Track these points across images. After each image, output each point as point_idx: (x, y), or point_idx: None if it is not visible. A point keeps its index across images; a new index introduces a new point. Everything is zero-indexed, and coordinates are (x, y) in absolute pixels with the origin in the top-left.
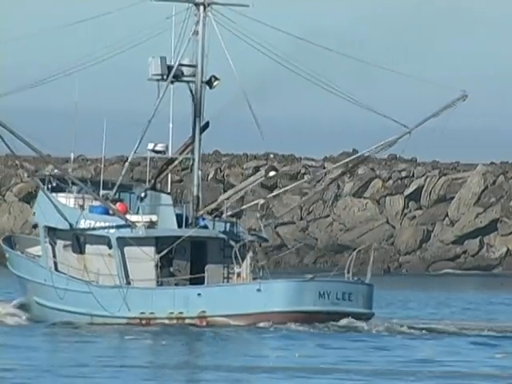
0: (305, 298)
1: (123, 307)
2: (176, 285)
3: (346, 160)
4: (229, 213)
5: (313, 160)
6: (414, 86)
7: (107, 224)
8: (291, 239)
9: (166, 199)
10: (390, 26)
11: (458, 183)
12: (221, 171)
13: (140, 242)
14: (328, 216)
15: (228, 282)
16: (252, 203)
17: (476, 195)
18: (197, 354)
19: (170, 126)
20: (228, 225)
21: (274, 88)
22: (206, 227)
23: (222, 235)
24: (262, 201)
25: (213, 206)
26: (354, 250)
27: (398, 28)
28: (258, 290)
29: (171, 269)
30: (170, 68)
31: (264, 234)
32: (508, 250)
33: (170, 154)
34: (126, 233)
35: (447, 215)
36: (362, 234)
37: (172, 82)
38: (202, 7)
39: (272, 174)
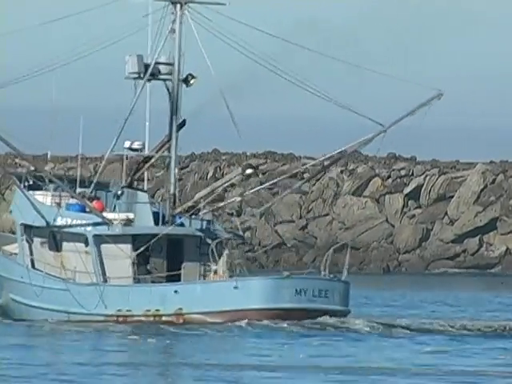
0: (281, 296)
1: (100, 305)
2: (152, 282)
3: (322, 158)
4: (205, 211)
5: (312, 159)
6: (395, 85)
7: (84, 222)
8: (290, 238)
9: (143, 197)
10: (387, 25)
11: (457, 182)
12: (220, 170)
13: (117, 239)
14: (327, 214)
15: (204, 279)
16: (229, 201)
17: (475, 194)
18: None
19: (147, 124)
20: (204, 222)
21: (250, 86)
22: (182, 225)
23: (198, 233)
24: (238, 198)
25: (189, 203)
26: (330, 248)
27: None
28: (235, 288)
29: (148, 266)
30: (146, 66)
31: (240, 231)
32: (507, 248)
33: (146, 152)
34: (102, 230)
35: (447, 214)
36: (361, 233)
37: (149, 80)
38: (178, 5)
39: (249, 171)
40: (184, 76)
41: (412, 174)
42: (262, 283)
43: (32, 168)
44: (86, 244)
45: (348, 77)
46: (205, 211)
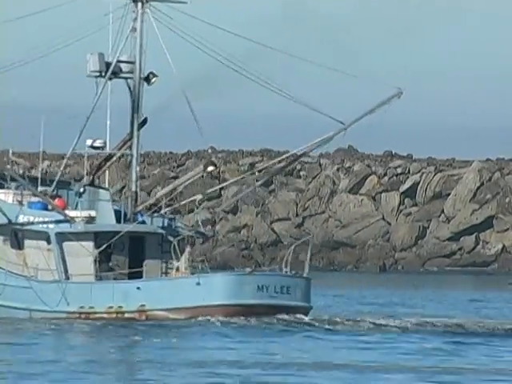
0: (244, 292)
1: (62, 302)
2: (115, 279)
3: (283, 157)
4: (167, 209)
5: (308, 156)
6: (356, 83)
7: (46, 219)
8: (287, 235)
9: (105, 195)
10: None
11: (453, 180)
12: (216, 167)
13: (79, 237)
14: (324, 212)
15: (166, 276)
16: (190, 199)
17: (472, 192)
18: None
19: (108, 122)
20: (166, 220)
21: (212, 84)
22: (144, 222)
23: (160, 230)
24: (199, 196)
25: (151, 201)
26: (292, 245)
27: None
28: (198, 284)
29: (110, 263)
30: (108, 64)
31: (202, 229)
32: (504, 246)
33: (108, 150)
34: (64, 228)
35: (443, 212)
36: (357, 231)
37: (110, 79)
38: (140, 4)
39: (210, 168)
40: (145, 74)
41: (408, 172)
42: (225, 279)
43: (28, 165)
44: (49, 242)
45: (314, 76)
46: (196, 211)
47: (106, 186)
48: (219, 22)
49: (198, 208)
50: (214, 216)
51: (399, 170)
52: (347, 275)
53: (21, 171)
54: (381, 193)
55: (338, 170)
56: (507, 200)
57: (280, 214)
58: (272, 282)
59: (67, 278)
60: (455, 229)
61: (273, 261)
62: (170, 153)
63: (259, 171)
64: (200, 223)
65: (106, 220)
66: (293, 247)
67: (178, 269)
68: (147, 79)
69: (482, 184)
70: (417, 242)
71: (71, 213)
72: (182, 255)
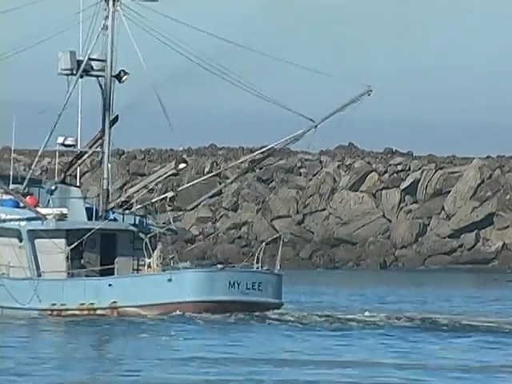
0: (215, 288)
1: (34, 299)
2: (86, 276)
3: (254, 154)
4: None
5: (309, 154)
6: (329, 82)
7: (18, 217)
8: (287, 232)
9: (76, 192)
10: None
11: (454, 177)
12: (217, 164)
13: (50, 234)
14: (324, 209)
15: (138, 273)
16: (161, 196)
17: (472, 189)
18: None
19: (79, 120)
20: (137, 217)
21: (184, 82)
22: (115, 220)
23: (131, 227)
24: (170, 194)
25: (122, 198)
26: (263, 241)
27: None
28: (169, 280)
29: (82, 261)
30: (79, 62)
31: (173, 226)
32: (504, 243)
33: (79, 148)
34: (36, 225)
35: (443, 209)
36: (358, 228)
37: (82, 77)
38: (111, 2)
39: (182, 166)
40: (116, 72)
41: (409, 169)
42: (196, 276)
43: (29, 162)
44: (20, 239)
45: (285, 74)
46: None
47: (78, 183)
48: (192, 20)
49: (169, 206)
50: (214, 213)
51: (400, 168)
52: (348, 272)
53: (21, 168)
54: (381, 190)
55: (338, 167)
56: (507, 197)
57: (280, 211)
58: (244, 278)
59: (39, 275)
60: (455, 226)
61: (273, 258)
62: (171, 150)
63: (226, 169)
64: (171, 220)
65: (78, 217)
66: (264, 244)
67: (149, 265)
68: (118, 77)
69: (483, 181)
70: (417, 240)
71: (43, 210)
72: (153, 252)
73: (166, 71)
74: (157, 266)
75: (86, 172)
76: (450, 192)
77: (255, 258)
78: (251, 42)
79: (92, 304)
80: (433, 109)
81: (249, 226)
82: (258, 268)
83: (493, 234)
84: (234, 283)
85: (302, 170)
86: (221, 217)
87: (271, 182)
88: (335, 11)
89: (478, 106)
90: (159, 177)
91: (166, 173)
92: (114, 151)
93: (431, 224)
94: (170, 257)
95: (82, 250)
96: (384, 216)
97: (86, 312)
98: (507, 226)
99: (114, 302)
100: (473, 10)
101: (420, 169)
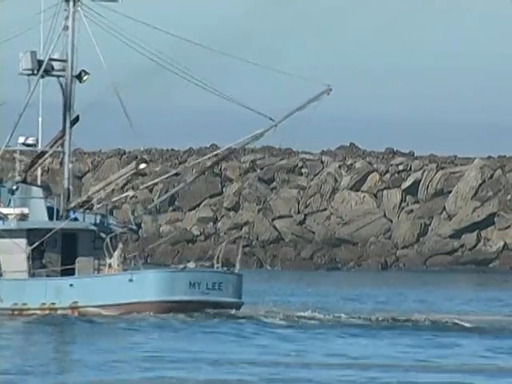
0: (176, 288)
1: None
2: (48, 276)
3: (213, 153)
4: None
5: (310, 154)
6: (289, 80)
7: None
8: (288, 232)
9: (37, 192)
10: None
11: (455, 177)
12: (218, 164)
13: (12, 234)
14: (325, 209)
15: (99, 273)
16: (123, 195)
17: (473, 189)
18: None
19: (40, 119)
20: (98, 217)
21: (145, 82)
22: (76, 219)
23: (92, 227)
24: (131, 193)
25: (84, 198)
26: (229, 240)
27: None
28: (130, 281)
29: (43, 260)
30: (40, 63)
31: (134, 225)
32: (505, 243)
33: (40, 148)
34: None
35: (444, 209)
36: (359, 228)
37: (43, 77)
38: (71, 2)
39: (142, 166)
40: (77, 72)
41: (410, 169)
42: (157, 276)
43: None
44: None
45: (247, 73)
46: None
47: (39, 183)
48: (153, 21)
49: (130, 205)
50: (215, 213)
51: (401, 168)
52: (348, 273)
53: (22, 167)
54: (382, 190)
55: (339, 167)
56: (509, 197)
57: (282, 211)
58: (204, 278)
59: (0, 274)
60: (457, 226)
61: (274, 258)
62: (172, 150)
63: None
64: (132, 219)
65: (39, 217)
66: (224, 244)
67: (110, 265)
68: (79, 77)
69: (484, 181)
70: (418, 240)
71: (4, 210)
72: (114, 252)
73: (127, 71)
74: (117, 266)
75: (88, 172)
76: (451, 192)
77: (215, 257)
78: (212, 43)
79: (53, 304)
80: (434, 109)
81: (250, 226)
82: (218, 268)
83: (494, 234)
84: (194, 283)
85: (303, 170)
86: (222, 217)
87: (272, 181)
88: (335, 11)
89: (479, 106)
90: (120, 177)
91: (127, 173)
92: (115, 151)
93: (432, 224)
94: (131, 255)
95: (43, 250)
96: (385, 216)
97: (47, 312)
98: (508, 226)
99: (75, 302)
100: (473, 9)
101: (421, 169)
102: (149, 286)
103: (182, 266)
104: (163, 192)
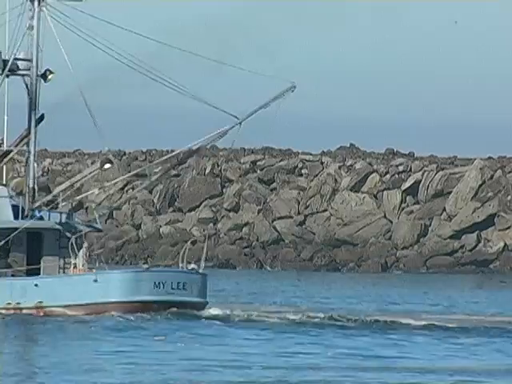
0: (141, 288)
1: None
2: (13, 276)
3: (178, 151)
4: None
5: (310, 154)
6: (253, 79)
7: None
8: (288, 233)
9: (2, 191)
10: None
11: (455, 178)
12: (218, 165)
13: None
14: (325, 210)
15: (64, 272)
16: (88, 193)
17: (473, 190)
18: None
19: (5, 118)
20: (63, 216)
21: (110, 81)
22: (42, 218)
23: (57, 226)
24: (96, 191)
25: (48, 197)
26: (187, 241)
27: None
28: (95, 281)
29: (8, 260)
30: (5, 62)
31: (99, 224)
32: (505, 244)
33: (5, 147)
34: None
35: (445, 210)
36: (359, 229)
37: (7, 76)
38: (36, 2)
39: (107, 166)
40: (42, 71)
41: (410, 170)
42: (121, 276)
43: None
44: None
45: (212, 72)
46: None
47: (4, 181)
48: (120, 21)
49: (95, 203)
50: (215, 214)
51: (401, 168)
52: (348, 274)
53: (22, 169)
54: (382, 191)
55: (339, 168)
56: (509, 198)
57: (282, 212)
58: (168, 278)
59: None
60: (457, 227)
61: (274, 259)
62: (172, 150)
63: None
64: (97, 218)
65: (4, 216)
66: (189, 243)
67: (75, 265)
68: (44, 76)
69: (484, 182)
70: (418, 240)
71: None
72: (79, 251)
73: (93, 71)
74: (82, 265)
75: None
76: (451, 193)
77: (180, 257)
78: (179, 43)
79: (18, 304)
80: (434, 110)
81: (250, 226)
82: (182, 268)
83: (494, 234)
84: (159, 283)
85: (303, 171)
86: (222, 218)
87: (272, 182)
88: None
89: (480, 107)
90: (84, 176)
91: (91, 172)
92: (116, 152)
93: (432, 225)
94: (96, 253)
95: (8, 249)
96: (385, 217)
97: (12, 311)
98: (508, 227)
99: (40, 301)
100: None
101: (421, 170)
102: (113, 286)
103: (146, 266)
104: (163, 193)
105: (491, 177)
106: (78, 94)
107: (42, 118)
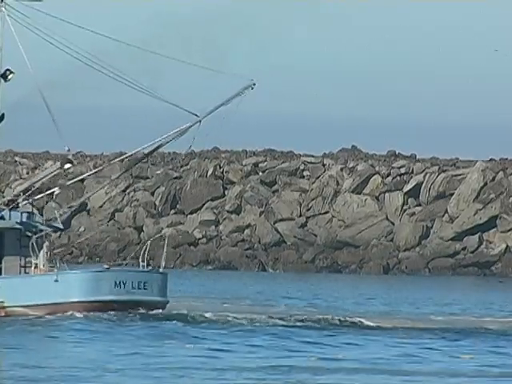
0: (101, 288)
1: None
2: None
3: (138, 149)
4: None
5: (312, 156)
6: (214, 77)
7: None
8: (290, 235)
9: None
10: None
11: (457, 180)
12: (220, 167)
13: None
14: (327, 212)
15: (25, 272)
16: (48, 192)
17: (475, 192)
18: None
19: None
20: (25, 215)
21: (71, 81)
22: (2, 218)
23: (18, 225)
24: (57, 190)
25: (9, 197)
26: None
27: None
28: (56, 281)
29: None
30: None
31: (59, 223)
32: (507, 246)
33: None
34: None
35: (446, 212)
36: (361, 231)
37: None
38: None
39: (67, 166)
40: (2, 71)
41: (412, 172)
42: (82, 276)
43: (32, 165)
44: None
45: (173, 71)
46: None
47: None
48: (80, 21)
49: (55, 203)
50: (217, 216)
51: (403, 170)
52: (351, 276)
53: (25, 171)
54: (384, 193)
55: (341, 169)
56: (511, 200)
57: (284, 214)
58: (129, 277)
59: None
60: (459, 229)
61: (276, 261)
62: (174, 153)
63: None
64: (58, 217)
65: None
66: (149, 242)
67: (36, 265)
68: (4, 76)
69: (486, 184)
70: (420, 242)
71: None
72: (40, 251)
73: (53, 70)
74: (43, 266)
75: (90, 174)
76: (453, 195)
77: (140, 256)
78: (143, 43)
79: None
80: (436, 111)
81: (252, 228)
82: (143, 267)
83: (496, 236)
84: (119, 283)
85: (305, 173)
86: (224, 220)
87: (274, 184)
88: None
89: (481, 109)
90: (45, 176)
91: (52, 172)
92: (117, 154)
93: (434, 227)
94: (55, 252)
95: None
96: (387, 219)
97: None
98: (510, 229)
99: (1, 302)
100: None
101: (423, 171)
102: (74, 286)
103: (106, 265)
104: (165, 195)
105: (493, 179)
106: (38, 94)
107: (2, 117)
